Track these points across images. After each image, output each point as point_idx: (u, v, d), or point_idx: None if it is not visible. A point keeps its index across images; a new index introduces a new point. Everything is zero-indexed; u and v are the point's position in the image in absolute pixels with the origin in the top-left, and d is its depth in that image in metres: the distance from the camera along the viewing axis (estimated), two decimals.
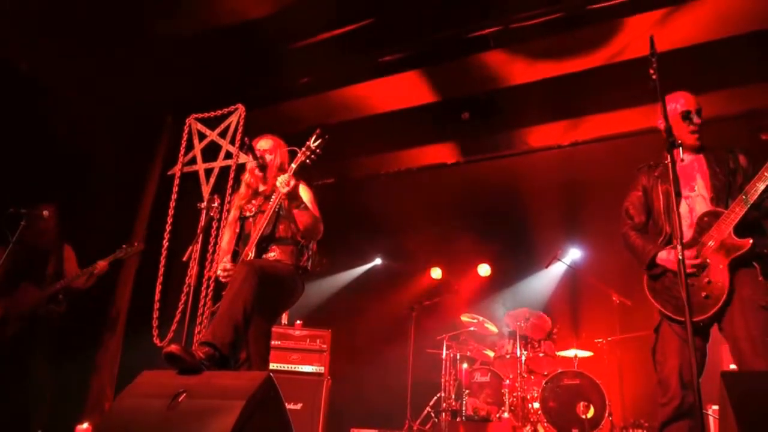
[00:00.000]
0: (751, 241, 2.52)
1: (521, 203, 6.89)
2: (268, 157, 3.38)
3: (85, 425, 4.58)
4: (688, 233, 2.67)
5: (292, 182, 3.01)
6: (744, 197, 2.54)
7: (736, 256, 2.53)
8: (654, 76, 2.43)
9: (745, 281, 2.52)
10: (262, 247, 3.19)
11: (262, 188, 3.42)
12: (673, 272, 2.63)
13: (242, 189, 3.47)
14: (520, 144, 6.32)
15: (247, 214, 3.36)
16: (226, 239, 3.39)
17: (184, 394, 2.17)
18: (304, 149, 3.14)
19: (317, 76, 5.44)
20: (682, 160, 2.62)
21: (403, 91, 5.47)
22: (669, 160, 2.34)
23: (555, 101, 5.54)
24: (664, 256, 2.69)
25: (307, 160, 3.13)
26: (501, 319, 6.42)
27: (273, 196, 3.20)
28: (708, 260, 2.59)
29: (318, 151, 3.13)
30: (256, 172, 3.40)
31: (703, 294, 2.55)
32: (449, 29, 4.89)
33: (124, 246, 4.52)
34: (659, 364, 2.68)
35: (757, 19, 4.35)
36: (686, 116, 2.82)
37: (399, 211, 7.38)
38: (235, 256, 3.30)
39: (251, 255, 3.14)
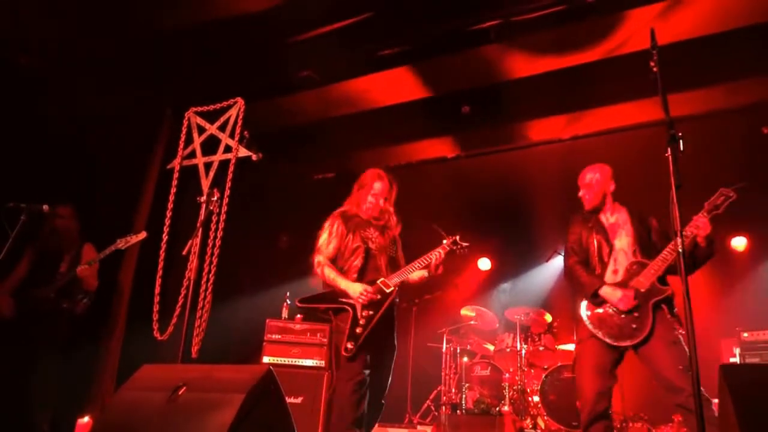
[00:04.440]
0: (671, 290, 3.11)
1: (522, 197, 6.87)
2: (382, 201, 3.89)
3: (86, 419, 4.59)
4: (615, 278, 3.25)
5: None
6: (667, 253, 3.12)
7: (657, 299, 3.10)
8: (655, 69, 2.44)
9: (659, 320, 3.08)
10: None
11: (375, 221, 3.80)
12: (612, 307, 3.17)
13: (353, 210, 3.81)
14: (521, 138, 6.32)
15: (371, 246, 3.74)
16: (332, 247, 3.66)
17: (184, 388, 2.17)
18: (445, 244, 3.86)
19: (317, 69, 5.42)
20: (611, 216, 3.40)
21: (403, 84, 5.45)
22: (669, 153, 2.34)
23: (556, 95, 5.52)
24: (608, 292, 3.18)
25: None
26: (500, 312, 6.42)
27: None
28: (638, 301, 3.14)
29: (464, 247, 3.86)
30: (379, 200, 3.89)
31: (633, 326, 3.10)
32: (450, 22, 4.86)
33: (118, 240, 4.37)
34: (579, 374, 3.20)
35: (758, 12, 4.33)
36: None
37: (399, 204, 7.35)
38: (362, 275, 3.69)
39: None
